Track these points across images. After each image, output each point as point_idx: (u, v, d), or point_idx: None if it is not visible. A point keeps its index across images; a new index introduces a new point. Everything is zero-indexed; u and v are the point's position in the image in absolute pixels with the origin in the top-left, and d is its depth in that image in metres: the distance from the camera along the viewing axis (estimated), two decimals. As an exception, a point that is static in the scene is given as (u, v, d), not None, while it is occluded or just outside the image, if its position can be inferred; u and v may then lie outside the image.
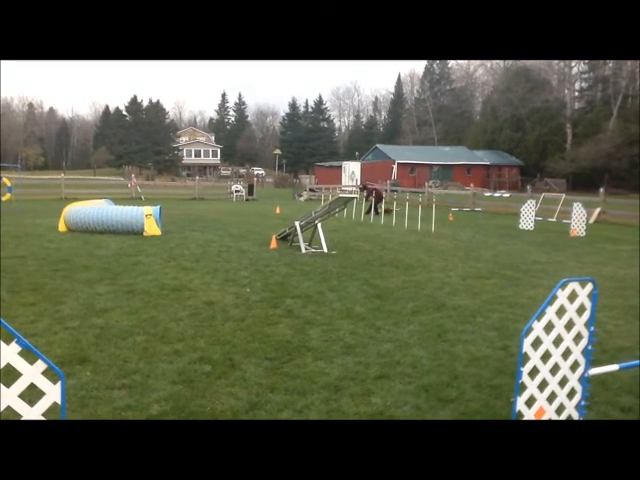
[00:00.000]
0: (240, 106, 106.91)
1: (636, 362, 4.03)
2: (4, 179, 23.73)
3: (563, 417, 3.54)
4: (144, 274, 8.70)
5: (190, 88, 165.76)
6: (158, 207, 14.14)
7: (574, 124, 59.50)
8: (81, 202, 15.38)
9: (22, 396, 2.59)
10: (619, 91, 57.28)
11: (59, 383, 2.66)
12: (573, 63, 62.19)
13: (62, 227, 13.75)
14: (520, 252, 12.83)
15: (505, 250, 13.14)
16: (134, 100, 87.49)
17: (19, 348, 2.55)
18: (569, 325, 3.44)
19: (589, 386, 3.65)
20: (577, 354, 3.51)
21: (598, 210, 22.58)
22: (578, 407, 3.60)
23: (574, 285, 3.39)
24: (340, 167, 59.69)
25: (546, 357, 3.37)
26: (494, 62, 76.33)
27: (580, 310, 3.46)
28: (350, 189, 41.45)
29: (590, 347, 3.54)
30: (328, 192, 33.30)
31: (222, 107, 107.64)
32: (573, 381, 3.54)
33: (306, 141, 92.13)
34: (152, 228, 13.49)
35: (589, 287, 3.45)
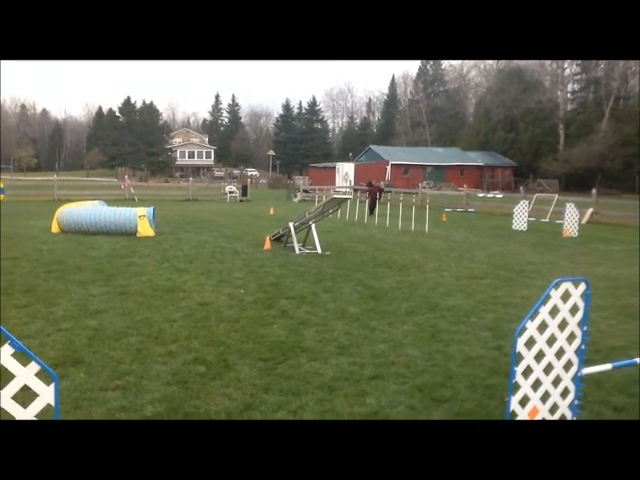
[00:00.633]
0: (234, 107, 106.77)
1: (629, 361, 4.05)
2: (-4, 180, 23.63)
3: (557, 416, 3.55)
4: (138, 275, 8.68)
5: (183, 89, 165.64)
6: (152, 208, 14.11)
7: (567, 125, 59.77)
8: (74, 203, 15.32)
9: (15, 398, 2.58)
10: (611, 92, 57.58)
11: (52, 385, 2.65)
12: (566, 65, 62.49)
13: (55, 228, 13.69)
14: (513, 252, 12.88)
15: (498, 250, 13.18)
16: (127, 101, 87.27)
17: (12, 350, 2.54)
18: (562, 325, 3.45)
19: (582, 385, 3.67)
20: (570, 354, 3.53)
21: (590, 211, 22.68)
22: (571, 406, 3.61)
23: (567, 285, 3.40)
24: (334, 168, 59.66)
25: (540, 357, 3.38)
26: (487, 63, 76.67)
27: (573, 310, 3.47)
28: (344, 190, 41.47)
29: (583, 347, 3.55)
30: (322, 193, 33.31)
31: (216, 108, 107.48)
32: (566, 380, 3.55)
33: (300, 142, 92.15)
34: (146, 229, 13.46)
35: (582, 287, 3.47)
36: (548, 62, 63.25)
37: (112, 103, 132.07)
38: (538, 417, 3.44)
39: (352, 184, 48.67)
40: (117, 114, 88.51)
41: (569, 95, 65.77)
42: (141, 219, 13.45)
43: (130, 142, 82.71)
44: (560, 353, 3.49)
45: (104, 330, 5.85)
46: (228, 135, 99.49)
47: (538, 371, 3.39)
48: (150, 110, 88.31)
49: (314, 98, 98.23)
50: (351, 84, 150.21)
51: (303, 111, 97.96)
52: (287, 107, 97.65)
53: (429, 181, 53.93)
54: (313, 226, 12.12)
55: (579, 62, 62.46)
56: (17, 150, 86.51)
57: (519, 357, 3.25)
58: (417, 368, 5.01)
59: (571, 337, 3.52)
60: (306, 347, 5.51)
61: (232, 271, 9.32)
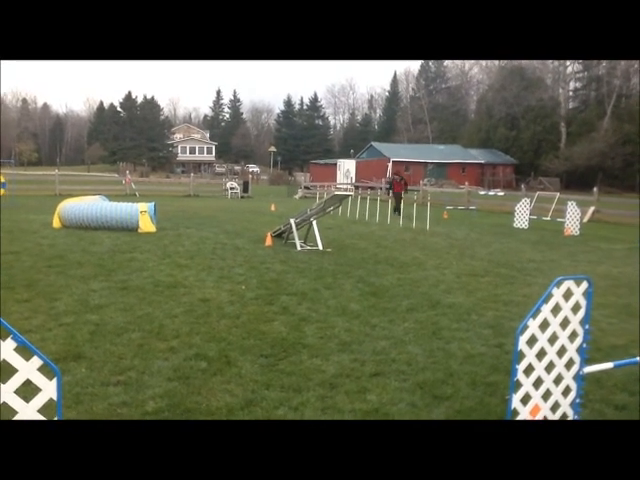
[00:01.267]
0: (235, 103, 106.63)
1: (630, 360, 4.05)
2: (-2, 175, 23.63)
3: (558, 415, 3.56)
4: (139, 271, 8.68)
5: (185, 85, 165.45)
6: (153, 204, 14.10)
7: (568, 123, 59.71)
8: (75, 198, 15.32)
9: (17, 392, 2.58)
10: (613, 90, 57.50)
11: (55, 379, 2.65)
12: (568, 62, 62.40)
13: (56, 223, 13.69)
14: (514, 250, 12.87)
15: (500, 248, 13.18)
16: (128, 96, 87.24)
17: (15, 344, 2.54)
18: (564, 323, 3.45)
19: (584, 384, 3.67)
20: (572, 352, 3.53)
21: (592, 209, 22.66)
22: (573, 405, 3.62)
23: (569, 283, 3.40)
24: (335, 165, 59.66)
25: (541, 355, 3.39)
26: (489, 61, 76.49)
27: (575, 308, 3.47)
28: (345, 187, 41.45)
29: (585, 345, 3.55)
30: (323, 190, 33.30)
31: (217, 104, 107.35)
32: (568, 379, 3.56)
33: (301, 139, 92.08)
34: (147, 225, 13.46)
35: (584, 285, 3.47)
36: (550, 60, 63.16)
37: (113, 98, 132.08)
38: (539, 415, 3.45)
39: (353, 181, 48.66)
40: (118, 109, 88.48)
41: (571, 93, 65.73)
42: (142, 215, 13.44)
43: (131, 137, 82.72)
44: (562, 351, 3.49)
45: (105, 325, 5.86)
46: (229, 131, 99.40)
47: (540, 369, 3.39)
48: (151, 105, 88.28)
49: (315, 94, 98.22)
50: (353, 81, 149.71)
51: (304, 107, 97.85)
52: (288, 103, 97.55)
53: (430, 178, 53.92)
54: (314, 223, 12.11)
55: (581, 60, 62.38)
56: (18, 144, 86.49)
57: (521, 355, 3.26)
58: (418, 365, 5.01)
59: (573, 335, 3.52)
60: (307, 344, 5.51)
61: (233, 267, 9.32)
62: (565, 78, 63.68)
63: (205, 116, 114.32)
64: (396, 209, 21.02)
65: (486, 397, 4.36)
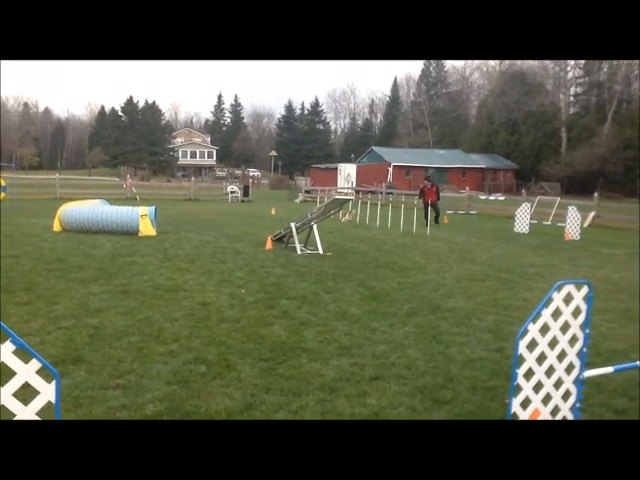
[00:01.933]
0: (236, 107, 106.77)
1: (630, 364, 4.04)
2: (-1, 178, 23.64)
3: (558, 419, 3.55)
4: (139, 274, 8.68)
5: (186, 89, 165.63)
6: (153, 207, 14.11)
7: (569, 128, 59.72)
8: (76, 202, 15.34)
9: (16, 395, 2.58)
10: (614, 96, 57.55)
11: (53, 382, 2.64)
12: (568, 68, 62.53)
13: (57, 227, 13.69)
14: (515, 255, 12.86)
15: (500, 253, 13.17)
16: (130, 101, 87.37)
17: (14, 347, 2.54)
18: (564, 327, 3.45)
19: (584, 388, 3.66)
20: (572, 356, 3.52)
21: (593, 214, 22.65)
22: (573, 409, 3.61)
23: (570, 287, 3.40)
24: (336, 169, 59.66)
25: (541, 359, 3.38)
26: (490, 65, 76.68)
27: (575, 312, 3.47)
28: (346, 191, 41.46)
29: (585, 349, 3.54)
30: (324, 194, 33.30)
31: (218, 108, 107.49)
32: (568, 383, 3.55)
33: (302, 143, 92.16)
34: (147, 228, 13.46)
35: (584, 290, 3.46)
36: (551, 65, 63.28)
37: (114, 102, 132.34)
38: (539, 419, 3.43)
39: (354, 185, 48.66)
40: (119, 113, 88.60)
41: (571, 98, 65.78)
42: (143, 218, 13.45)
43: (132, 141, 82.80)
44: (562, 356, 3.48)
45: (105, 329, 5.85)
46: (230, 135, 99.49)
47: (540, 373, 3.39)
48: (152, 110, 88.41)
49: (316, 99, 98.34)
50: (353, 85, 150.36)
51: (305, 112, 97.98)
52: (289, 108, 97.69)
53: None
54: (315, 227, 12.11)
55: (582, 65, 62.51)
56: (19, 148, 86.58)
57: (521, 359, 3.25)
58: (418, 369, 5.00)
59: (573, 340, 3.51)
60: (307, 347, 5.50)
61: (233, 271, 9.32)
62: (566, 83, 63.75)
63: (206, 120, 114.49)
64: (428, 220, 18.69)
65: (486, 401, 4.35)
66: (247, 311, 6.76)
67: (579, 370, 3.57)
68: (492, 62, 76.13)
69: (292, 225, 12.03)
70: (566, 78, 63.63)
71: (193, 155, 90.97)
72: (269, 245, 12.08)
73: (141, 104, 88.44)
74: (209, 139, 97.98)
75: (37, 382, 2.61)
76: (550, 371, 3.45)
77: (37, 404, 2.62)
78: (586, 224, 20.83)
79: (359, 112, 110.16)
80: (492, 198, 30.40)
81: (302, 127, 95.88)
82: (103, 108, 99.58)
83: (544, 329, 3.32)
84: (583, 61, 61.64)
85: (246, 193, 34.41)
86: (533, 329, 3.26)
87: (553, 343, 3.41)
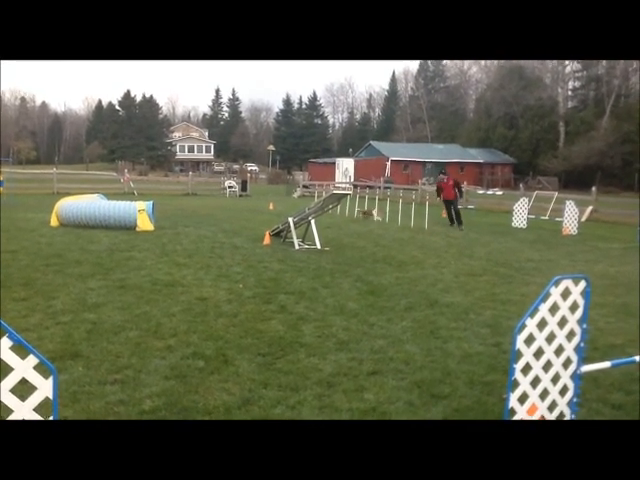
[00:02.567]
0: (234, 102, 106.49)
1: (628, 359, 4.05)
2: (-4, 173, 23.58)
3: (555, 414, 3.56)
4: (137, 269, 8.67)
5: (184, 83, 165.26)
6: (151, 202, 14.09)
7: (567, 122, 59.72)
8: (74, 197, 15.30)
9: (13, 391, 2.57)
10: (612, 90, 57.54)
11: (51, 378, 2.64)
12: (566, 62, 62.40)
13: (54, 222, 13.67)
14: (513, 250, 12.88)
15: (498, 248, 13.18)
16: (127, 95, 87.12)
17: (11, 343, 2.53)
18: (562, 322, 3.45)
19: (581, 383, 3.67)
20: (570, 351, 3.53)
21: (590, 208, 22.67)
22: (570, 404, 3.62)
23: (567, 282, 3.40)
24: (334, 164, 59.60)
25: (539, 354, 3.38)
26: (488, 60, 76.52)
27: (573, 307, 3.47)
28: (344, 186, 41.43)
29: (583, 344, 3.55)
30: (322, 189, 33.28)
31: (216, 103, 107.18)
32: (565, 378, 3.55)
33: (300, 137, 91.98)
34: (145, 223, 13.44)
35: (582, 284, 3.46)
36: (549, 60, 63.19)
37: (112, 96, 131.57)
38: (537, 414, 3.44)
39: (352, 180, 48.63)
40: (117, 108, 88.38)
41: (569, 92, 65.74)
42: (140, 213, 13.42)
43: (130, 136, 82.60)
44: (559, 351, 3.49)
45: (103, 324, 5.85)
46: (228, 130, 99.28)
47: (537, 368, 3.39)
48: (150, 104, 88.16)
49: (314, 93, 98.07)
50: (352, 79, 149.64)
51: (303, 106, 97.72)
52: (287, 102, 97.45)
53: (429, 177, 53.90)
54: (313, 221, 12.11)
55: (580, 60, 62.39)
56: (16, 143, 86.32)
57: (518, 354, 3.25)
58: (416, 364, 5.01)
59: (570, 335, 3.52)
60: (305, 342, 5.51)
61: (231, 266, 9.31)
62: (564, 77, 63.69)
63: (204, 115, 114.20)
64: (453, 220, 17.37)
65: (483, 396, 4.36)
66: (245, 306, 6.77)
67: (576, 365, 3.57)
68: (490, 59, 76.02)
69: (290, 220, 12.02)
70: (564, 72, 63.58)
71: (191, 149, 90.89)
72: (267, 240, 12.07)
73: (138, 98, 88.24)
74: (207, 133, 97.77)
75: (35, 378, 2.61)
76: (548, 366, 3.46)
77: (35, 400, 2.62)
78: (584, 218, 20.84)
79: (357, 106, 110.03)
80: (490, 193, 30.40)
81: (300, 121, 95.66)
82: (100, 102, 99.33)
83: (542, 324, 3.32)
84: (581, 59, 61.61)
85: (244, 188, 34.35)
86: (531, 324, 3.26)
87: (551, 338, 3.42)
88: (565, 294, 3.40)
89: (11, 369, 2.55)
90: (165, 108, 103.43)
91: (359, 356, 5.17)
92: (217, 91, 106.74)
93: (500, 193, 29.49)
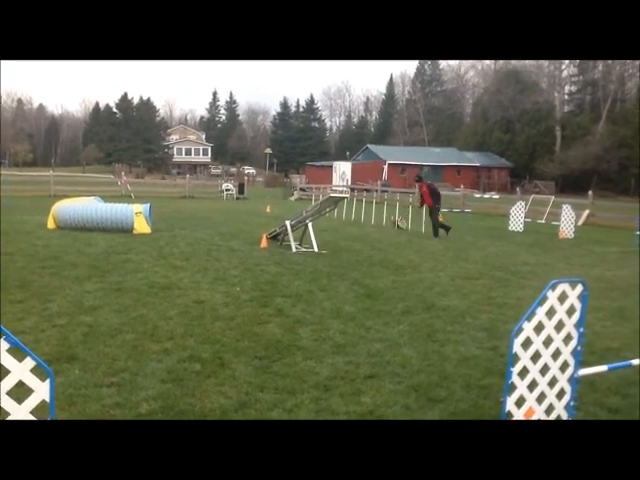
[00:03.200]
0: (231, 105, 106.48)
1: (624, 363, 4.06)
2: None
3: (552, 417, 3.56)
4: (133, 272, 8.66)
5: (181, 86, 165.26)
6: (148, 205, 14.08)
7: (563, 127, 59.88)
8: (70, 199, 15.28)
9: (10, 394, 2.57)
10: (608, 95, 57.76)
11: (48, 381, 2.63)
12: (563, 66, 62.66)
13: (51, 224, 13.65)
14: (509, 253, 12.89)
15: (494, 251, 13.20)
16: (124, 97, 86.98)
17: (7, 345, 2.52)
18: (559, 326, 3.45)
19: (578, 386, 3.67)
20: (567, 355, 3.53)
21: (587, 212, 22.72)
22: (567, 407, 3.62)
23: (564, 286, 3.41)
24: (331, 167, 59.64)
25: (536, 357, 3.39)
26: (485, 64, 76.73)
27: (570, 311, 3.48)
28: (341, 189, 41.44)
29: (579, 348, 3.56)
30: (319, 192, 33.28)
31: (213, 105, 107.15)
32: (562, 381, 3.56)
33: (297, 140, 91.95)
34: (142, 226, 13.43)
35: (579, 288, 3.47)
36: (545, 63, 63.43)
37: (109, 99, 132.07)
38: (533, 418, 3.45)
39: (349, 183, 48.66)
40: (114, 110, 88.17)
41: (566, 97, 65.98)
42: (137, 216, 13.41)
43: (127, 138, 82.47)
44: (556, 354, 3.50)
45: (99, 326, 5.84)
46: (225, 132, 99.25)
47: (534, 372, 3.40)
48: (147, 106, 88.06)
49: (312, 96, 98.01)
50: (349, 83, 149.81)
51: (301, 109, 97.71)
52: (285, 105, 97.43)
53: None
54: (310, 225, 12.11)
55: (576, 64, 62.64)
56: (13, 145, 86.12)
57: (515, 358, 3.26)
58: (413, 368, 5.01)
59: (567, 338, 3.52)
60: (302, 346, 5.50)
61: (228, 269, 9.31)
62: (560, 82, 63.92)
63: (201, 117, 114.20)
64: (436, 227, 15.72)
65: (480, 400, 4.36)
66: (242, 309, 6.76)
67: (573, 369, 3.58)
68: (487, 60, 76.29)
69: (287, 223, 12.02)
70: (561, 76, 63.81)
71: (188, 152, 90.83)
72: (264, 243, 12.07)
73: (136, 101, 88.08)
74: (204, 136, 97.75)
75: (31, 380, 2.60)
76: (544, 370, 3.46)
77: (31, 403, 2.61)
78: (580, 222, 20.89)
79: (354, 110, 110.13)
80: (487, 196, 30.45)
81: (297, 125, 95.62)
82: (97, 105, 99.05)
83: (539, 328, 3.33)
84: (578, 60, 61.83)
85: (241, 191, 34.36)
86: (528, 327, 3.27)
87: (548, 342, 3.42)
88: (562, 298, 3.41)
89: (8, 372, 2.55)
90: (162, 111, 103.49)
91: (356, 359, 5.17)
92: (214, 94, 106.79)
93: (497, 197, 29.55)
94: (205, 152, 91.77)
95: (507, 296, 8.09)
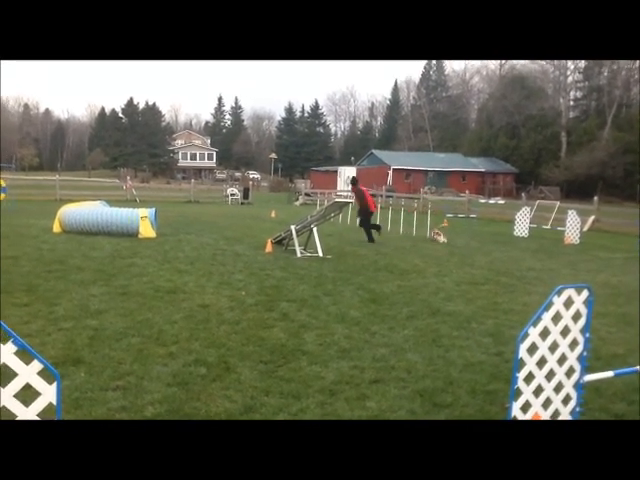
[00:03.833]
0: (236, 110, 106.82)
1: (630, 369, 4.05)
2: (-2, 179, 23.64)
3: (557, 419, 3.55)
4: (139, 276, 8.68)
5: (186, 91, 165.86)
6: (153, 209, 14.11)
7: (569, 132, 59.79)
8: (76, 203, 15.33)
9: (16, 396, 2.58)
10: (614, 100, 57.65)
11: (55, 383, 2.64)
12: (568, 72, 62.66)
13: (57, 228, 13.69)
14: (514, 259, 12.87)
15: (499, 257, 13.18)
16: (130, 102, 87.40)
17: (15, 348, 2.54)
18: (565, 331, 3.45)
19: (584, 392, 3.66)
20: (572, 360, 3.52)
21: (592, 218, 22.66)
22: (573, 413, 3.61)
23: (570, 292, 3.40)
24: (336, 172, 59.76)
25: (542, 363, 3.38)
26: (490, 69, 76.84)
27: (576, 317, 3.47)
28: (346, 194, 41.44)
29: (585, 353, 3.55)
30: (324, 197, 33.31)
31: (218, 110, 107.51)
32: (568, 387, 3.55)
33: (302, 146, 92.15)
34: (147, 230, 13.46)
35: (585, 294, 3.47)
36: (551, 69, 63.47)
37: (115, 104, 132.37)
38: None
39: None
40: (120, 115, 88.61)
41: (571, 102, 65.92)
42: (143, 220, 13.45)
43: (132, 143, 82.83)
44: (562, 360, 3.49)
45: (105, 330, 5.85)
46: (230, 137, 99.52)
47: (540, 377, 3.39)
48: (153, 111, 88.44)
49: (316, 102, 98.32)
50: (354, 88, 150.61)
51: (305, 114, 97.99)
52: (290, 110, 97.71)
53: (431, 186, 53.95)
54: (315, 229, 12.12)
55: (582, 69, 62.62)
56: (19, 149, 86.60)
57: (521, 363, 3.25)
58: (418, 373, 5.00)
59: (573, 344, 3.51)
60: (307, 350, 5.50)
61: (233, 273, 9.32)
62: (566, 87, 63.87)
63: (206, 122, 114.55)
64: (367, 229, 14.73)
65: (486, 405, 4.35)
66: (247, 313, 6.77)
67: (579, 374, 3.57)
68: (492, 66, 76.36)
69: (292, 228, 12.03)
70: (566, 82, 63.76)
71: (193, 157, 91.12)
72: (269, 248, 12.08)
73: (141, 106, 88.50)
74: (209, 141, 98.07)
75: (38, 383, 2.61)
76: (550, 375, 3.45)
77: (38, 405, 2.62)
78: (586, 228, 20.85)
79: (359, 115, 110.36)
80: (492, 202, 30.40)
81: (302, 130, 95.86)
82: (103, 109, 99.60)
83: (544, 333, 3.32)
84: (583, 65, 61.87)
85: (246, 195, 34.42)
86: (533, 333, 3.26)
87: (553, 347, 3.41)
88: (568, 303, 3.40)
89: (15, 374, 2.56)
90: (168, 116, 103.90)
91: (361, 364, 5.17)
92: (220, 99, 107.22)
93: (502, 202, 29.48)
94: (210, 157, 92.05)
95: (513, 302, 8.08)
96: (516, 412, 3.30)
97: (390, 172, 56.35)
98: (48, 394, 2.63)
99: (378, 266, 10.76)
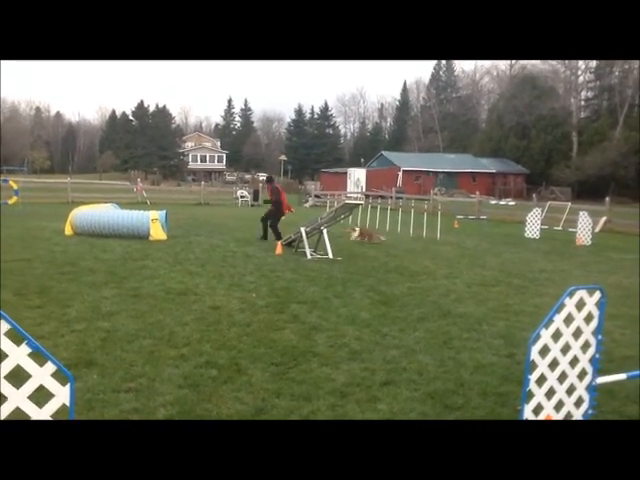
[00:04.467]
0: (246, 112, 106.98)
1: (643, 371, 4.02)
2: (10, 182, 23.86)
3: (567, 419, 3.53)
4: (150, 278, 8.72)
5: (196, 93, 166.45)
6: (164, 212, 14.18)
7: (580, 132, 59.40)
8: (87, 206, 15.43)
9: (30, 398, 2.60)
10: (625, 100, 57.25)
11: (68, 385, 2.66)
12: (579, 72, 62.26)
13: (68, 230, 13.79)
14: (526, 260, 12.81)
15: (510, 258, 13.12)
16: (140, 105, 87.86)
17: (29, 350, 2.56)
18: (577, 333, 3.43)
19: (596, 395, 3.64)
20: (585, 362, 3.51)
21: (604, 219, 22.50)
22: (585, 416, 3.59)
23: (582, 293, 3.38)
24: (345, 173, 59.73)
25: (554, 365, 3.37)
26: (500, 70, 76.55)
27: (588, 318, 3.45)
28: (356, 195, 41.43)
29: (598, 356, 3.53)
30: (333, 198, 33.30)
31: (228, 113, 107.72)
32: (580, 389, 3.53)
33: (311, 147, 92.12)
34: (158, 232, 13.52)
35: (597, 295, 3.45)
36: (562, 69, 63.07)
37: (125, 107, 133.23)
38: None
39: (363, 190, 48.65)
40: (130, 118, 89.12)
41: (582, 102, 65.44)
42: (153, 222, 13.51)
43: (143, 146, 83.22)
44: (574, 362, 3.47)
45: (116, 332, 5.88)
46: (240, 139, 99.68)
47: (552, 380, 3.37)
48: (163, 114, 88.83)
49: (326, 103, 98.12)
50: (363, 89, 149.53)
51: (315, 116, 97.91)
52: (299, 112, 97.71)
53: (441, 187, 53.79)
54: (325, 231, 12.12)
55: (593, 69, 62.21)
56: (31, 152, 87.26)
57: (533, 365, 3.24)
58: (429, 375, 4.99)
59: (585, 346, 3.49)
60: (317, 352, 5.51)
61: (244, 275, 9.34)
62: (577, 87, 63.46)
63: (216, 125, 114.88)
64: (275, 231, 13.81)
65: (497, 407, 4.34)
66: (258, 315, 6.78)
67: (591, 376, 3.55)
68: (502, 66, 76.07)
69: (302, 230, 12.04)
70: (577, 82, 63.35)
71: (203, 159, 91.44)
72: (279, 249, 12.10)
73: (152, 108, 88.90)
74: (219, 143, 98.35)
75: (52, 385, 2.63)
76: (562, 377, 3.44)
77: (52, 407, 2.64)
78: (597, 229, 20.70)
79: (369, 116, 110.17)
80: (502, 203, 30.29)
81: (312, 131, 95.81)
82: (114, 112, 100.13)
83: (556, 335, 3.31)
84: (594, 65, 61.43)
85: (256, 197, 34.45)
86: (545, 335, 3.25)
87: (565, 349, 3.40)
88: (580, 305, 3.38)
89: (29, 376, 2.58)
90: (178, 118, 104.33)
91: (372, 366, 5.16)
92: (229, 101, 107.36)
93: (513, 203, 29.37)
94: (220, 159, 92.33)
95: (524, 303, 8.04)
96: (528, 414, 3.29)
97: (400, 173, 56.24)
98: (62, 395, 2.65)
99: (388, 268, 10.75)
